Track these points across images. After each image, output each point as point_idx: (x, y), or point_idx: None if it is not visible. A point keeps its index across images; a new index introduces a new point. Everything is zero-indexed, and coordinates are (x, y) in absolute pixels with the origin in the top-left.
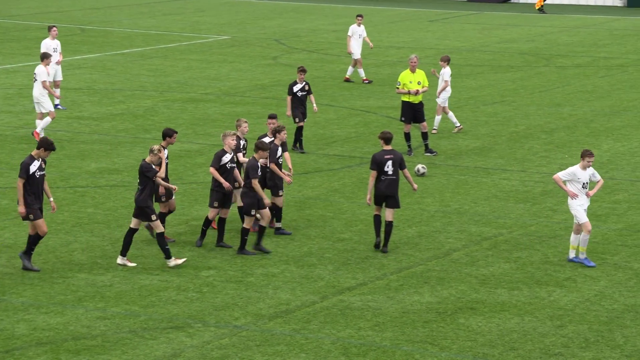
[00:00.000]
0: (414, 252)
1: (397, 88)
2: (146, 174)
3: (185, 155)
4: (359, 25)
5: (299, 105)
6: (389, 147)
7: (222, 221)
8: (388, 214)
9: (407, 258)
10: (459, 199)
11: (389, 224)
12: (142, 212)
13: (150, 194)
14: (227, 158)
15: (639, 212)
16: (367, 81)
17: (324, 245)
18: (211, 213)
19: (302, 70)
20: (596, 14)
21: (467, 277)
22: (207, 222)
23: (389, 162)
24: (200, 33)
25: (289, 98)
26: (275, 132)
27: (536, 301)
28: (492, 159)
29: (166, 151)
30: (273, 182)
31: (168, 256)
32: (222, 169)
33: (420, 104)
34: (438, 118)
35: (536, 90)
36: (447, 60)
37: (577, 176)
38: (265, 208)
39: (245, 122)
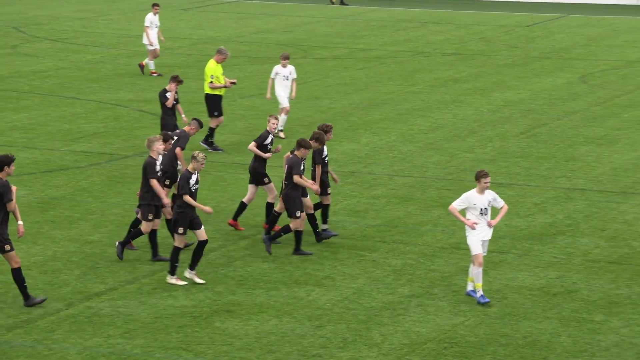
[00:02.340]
0: (167, 254)
1: (211, 82)
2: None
3: None
4: (155, 14)
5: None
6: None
7: (154, 233)
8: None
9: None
10: (215, 197)
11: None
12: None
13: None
14: (158, 167)
15: (397, 208)
16: (155, 74)
17: (70, 249)
18: (147, 226)
19: (175, 79)
20: (354, 4)
21: (224, 278)
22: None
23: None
24: None
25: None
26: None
27: (294, 301)
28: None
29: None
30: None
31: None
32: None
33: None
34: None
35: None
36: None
37: (472, 202)
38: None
39: (276, 118)
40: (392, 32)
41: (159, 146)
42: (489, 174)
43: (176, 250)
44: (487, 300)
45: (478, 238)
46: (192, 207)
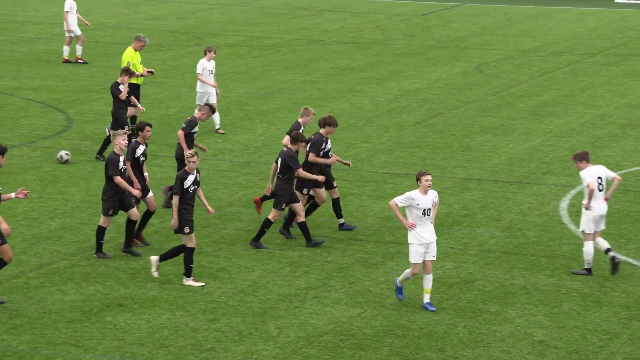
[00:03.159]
0: (57, 246)
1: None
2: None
3: None
4: None
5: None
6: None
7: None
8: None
9: (48, 253)
10: None
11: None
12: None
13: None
14: (122, 162)
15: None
16: (81, 61)
17: None
18: (106, 221)
19: (127, 72)
20: None
21: (116, 272)
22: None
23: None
24: None
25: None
26: (326, 124)
27: (189, 295)
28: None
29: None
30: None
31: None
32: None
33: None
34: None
35: (188, 71)
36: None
37: (415, 201)
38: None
39: (313, 113)
40: (288, 19)
41: (121, 141)
42: (430, 173)
43: (189, 252)
44: (433, 309)
45: (418, 245)
46: (188, 209)
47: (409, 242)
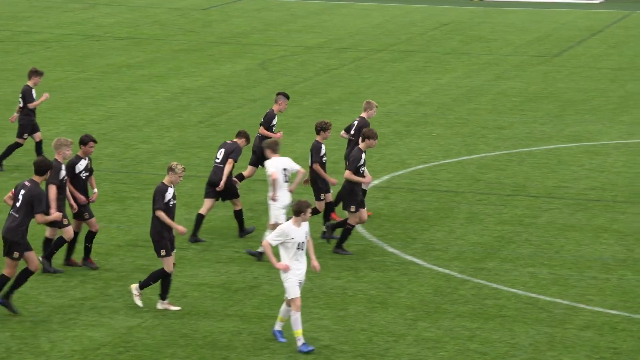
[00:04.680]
0: None
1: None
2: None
3: None
4: None
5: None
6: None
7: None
8: None
9: None
10: None
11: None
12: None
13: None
14: (63, 172)
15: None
16: None
17: None
18: (51, 233)
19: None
20: None
21: None
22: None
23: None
24: None
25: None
26: (321, 129)
27: None
28: None
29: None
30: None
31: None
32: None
33: None
34: None
35: None
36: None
37: (290, 235)
38: None
39: (376, 105)
40: (59, 13)
41: (67, 152)
42: (311, 206)
43: (163, 274)
44: (310, 348)
45: (295, 279)
46: (168, 227)
47: (286, 278)
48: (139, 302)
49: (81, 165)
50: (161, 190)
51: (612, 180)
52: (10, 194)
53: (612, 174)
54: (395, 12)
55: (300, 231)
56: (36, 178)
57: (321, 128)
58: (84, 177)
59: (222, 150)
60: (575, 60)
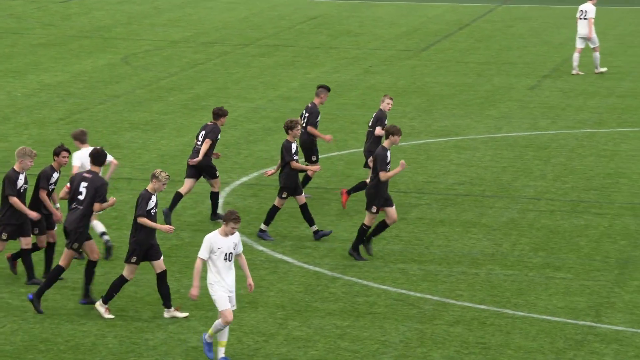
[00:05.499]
0: None
1: None
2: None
3: None
4: None
5: None
6: None
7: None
8: None
9: None
10: None
11: None
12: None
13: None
14: (22, 181)
15: None
16: None
17: None
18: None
19: None
20: None
21: None
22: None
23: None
24: None
25: None
26: (289, 128)
27: None
28: None
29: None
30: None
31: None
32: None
33: None
34: None
35: None
36: None
37: (216, 245)
38: None
39: (391, 98)
40: None
41: (29, 162)
42: (240, 220)
43: (121, 281)
44: (211, 356)
45: (225, 290)
46: (149, 233)
47: (213, 291)
48: (109, 315)
49: (54, 177)
50: (145, 197)
51: (480, 175)
52: (65, 188)
53: (480, 169)
54: (262, 6)
55: (228, 241)
56: (94, 168)
57: (289, 127)
58: (51, 190)
59: (203, 132)
60: (443, 54)
